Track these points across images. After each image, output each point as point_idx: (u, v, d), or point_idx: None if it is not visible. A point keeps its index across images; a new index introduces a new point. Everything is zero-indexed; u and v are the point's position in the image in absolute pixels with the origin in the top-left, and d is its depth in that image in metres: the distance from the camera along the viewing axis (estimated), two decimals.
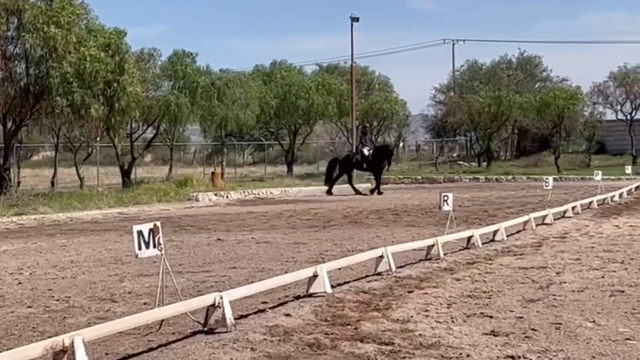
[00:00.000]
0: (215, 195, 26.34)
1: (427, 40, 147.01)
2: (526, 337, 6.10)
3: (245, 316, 6.92)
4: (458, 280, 8.78)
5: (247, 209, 21.46)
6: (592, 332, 6.23)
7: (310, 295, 7.78)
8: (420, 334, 6.20)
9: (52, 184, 30.68)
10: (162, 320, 6.36)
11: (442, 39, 76.41)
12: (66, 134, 32.46)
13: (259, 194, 28.38)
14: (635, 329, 6.32)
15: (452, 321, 6.67)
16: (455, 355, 5.60)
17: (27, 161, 42.90)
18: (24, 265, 10.75)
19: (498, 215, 17.53)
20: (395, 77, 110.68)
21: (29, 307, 7.77)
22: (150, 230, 6.19)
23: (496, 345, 5.85)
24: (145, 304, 7.63)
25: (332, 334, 6.24)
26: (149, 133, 37.51)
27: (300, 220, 17.68)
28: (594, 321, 6.62)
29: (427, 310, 7.10)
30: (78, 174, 32.63)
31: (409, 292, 8.03)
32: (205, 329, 6.37)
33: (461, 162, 51.93)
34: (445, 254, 10.63)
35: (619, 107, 50.15)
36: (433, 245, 10.60)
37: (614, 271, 9.27)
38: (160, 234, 6.25)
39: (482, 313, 6.97)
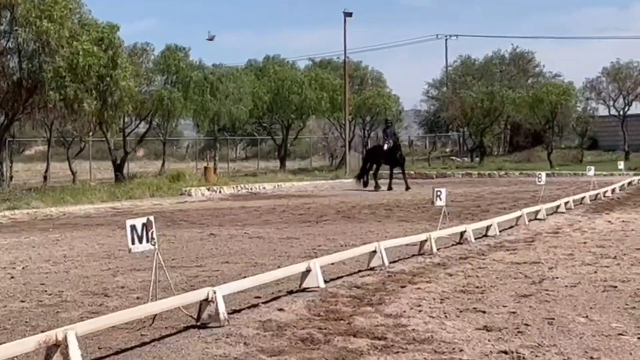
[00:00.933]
0: (208, 190, 26.29)
1: (420, 36, 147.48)
2: (519, 332, 6.12)
3: (239, 311, 6.92)
4: (451, 275, 8.80)
5: (240, 204, 21.45)
6: (585, 327, 6.25)
7: (304, 290, 7.78)
8: (413, 329, 6.21)
9: (45, 178, 30.60)
10: (155, 315, 6.36)
11: (435, 34, 76.63)
12: (59, 129, 32.33)
13: (251, 189, 28.33)
14: (628, 324, 6.34)
15: (445, 316, 6.68)
16: (448, 350, 5.61)
17: (19, 156, 42.80)
18: (17, 260, 10.73)
19: (491, 210, 17.56)
20: (388, 72, 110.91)
21: (22, 301, 7.76)
22: (144, 224, 6.18)
23: (489, 340, 5.86)
24: (138, 298, 7.63)
25: (325, 328, 6.24)
26: (142, 128, 37.42)
27: (293, 215, 17.68)
28: (586, 316, 6.63)
29: (420, 305, 7.11)
30: (71, 169, 32.56)
31: (402, 287, 8.04)
32: (198, 323, 6.37)
33: (454, 158, 52.00)
34: (438, 249, 10.64)
35: (611, 102, 50.22)
36: (426, 241, 10.60)
37: (607, 266, 9.30)
38: (154, 229, 6.25)
39: (475, 308, 6.99)
